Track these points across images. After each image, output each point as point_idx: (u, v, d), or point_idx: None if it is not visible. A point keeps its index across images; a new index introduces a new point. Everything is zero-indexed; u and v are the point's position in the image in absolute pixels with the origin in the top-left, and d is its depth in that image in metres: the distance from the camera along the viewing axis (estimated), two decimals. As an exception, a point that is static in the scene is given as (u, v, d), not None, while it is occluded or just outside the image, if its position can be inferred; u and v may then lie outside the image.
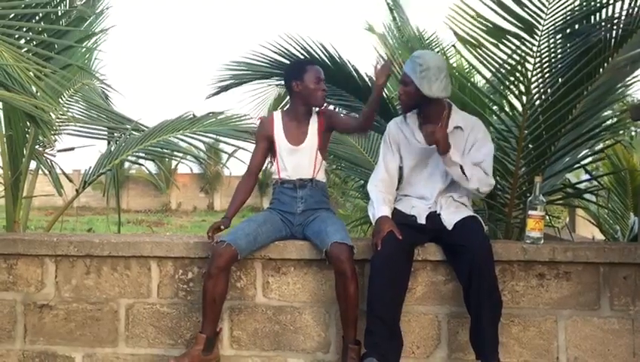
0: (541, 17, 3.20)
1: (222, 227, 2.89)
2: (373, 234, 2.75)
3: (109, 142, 4.57)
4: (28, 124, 3.84)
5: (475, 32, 3.33)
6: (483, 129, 2.87)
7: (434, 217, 2.81)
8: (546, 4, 3.17)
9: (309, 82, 2.91)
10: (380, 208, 2.79)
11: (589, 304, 2.81)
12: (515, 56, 3.32)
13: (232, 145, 4.25)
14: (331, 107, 4.28)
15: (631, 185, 5.35)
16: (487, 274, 2.58)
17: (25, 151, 4.04)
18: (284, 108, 3.19)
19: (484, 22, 3.28)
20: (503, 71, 3.41)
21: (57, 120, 4.36)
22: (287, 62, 3.80)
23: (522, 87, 3.38)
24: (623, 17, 3.13)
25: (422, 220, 2.80)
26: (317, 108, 3.00)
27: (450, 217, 2.78)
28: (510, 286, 2.82)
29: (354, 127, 3.00)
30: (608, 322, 2.80)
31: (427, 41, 4.76)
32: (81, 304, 3.00)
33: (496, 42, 3.32)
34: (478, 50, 3.38)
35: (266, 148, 3.02)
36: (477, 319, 2.58)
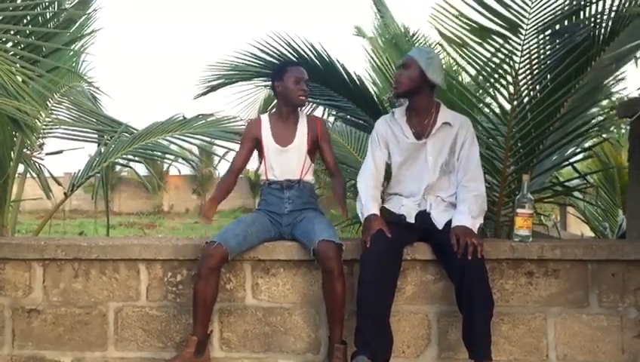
0: (524, 16, 3.21)
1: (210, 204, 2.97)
2: (363, 232, 2.75)
3: (98, 145, 4.55)
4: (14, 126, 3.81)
5: (459, 31, 3.35)
6: (471, 129, 2.89)
7: (423, 216, 2.82)
8: (529, 2, 3.18)
9: (289, 82, 2.94)
10: (368, 206, 2.79)
11: (577, 301, 2.82)
12: (500, 55, 3.33)
13: (222, 146, 4.25)
14: (320, 108, 4.29)
15: (619, 182, 5.38)
16: (479, 273, 2.58)
17: (13, 155, 4.01)
18: (271, 111, 3.20)
19: (468, 21, 3.30)
20: (489, 70, 3.43)
21: (44, 123, 4.34)
22: (276, 62, 3.79)
23: (510, 85, 3.39)
24: (608, 15, 3.15)
25: (411, 219, 2.81)
26: (304, 110, 3.02)
27: (441, 216, 2.79)
28: (499, 285, 2.83)
29: (328, 167, 3.05)
30: (597, 319, 2.82)
31: (413, 40, 4.77)
32: (70, 308, 2.98)
33: (480, 41, 3.34)
34: (464, 49, 3.39)
35: (252, 148, 3.03)
36: (469, 318, 2.58)
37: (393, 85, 2.94)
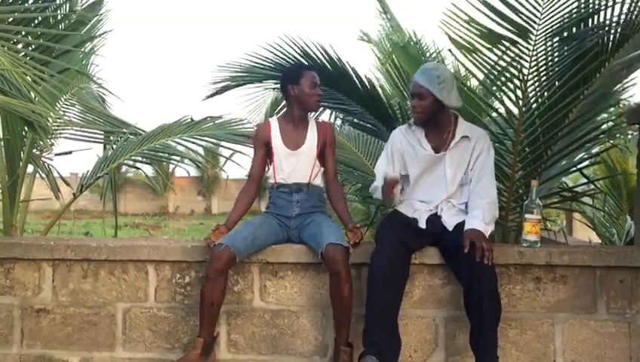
0: (535, 22, 3.21)
1: (219, 230, 2.88)
2: (385, 199, 2.79)
3: (105, 147, 4.56)
4: (25, 128, 3.84)
5: (469, 36, 3.36)
6: (488, 141, 2.92)
7: (434, 220, 2.83)
8: (540, 9, 3.19)
9: (305, 86, 2.93)
10: (382, 180, 2.79)
11: (585, 307, 2.82)
12: (508, 59, 3.34)
13: (230, 148, 4.25)
14: (327, 112, 4.30)
15: (625, 188, 5.38)
16: (488, 277, 2.59)
17: (22, 155, 4.04)
18: (280, 114, 3.20)
19: (478, 26, 3.31)
20: (496, 72, 3.43)
21: (54, 124, 4.36)
22: (286, 64, 3.80)
23: (518, 91, 3.40)
24: (617, 22, 3.15)
25: (422, 223, 2.82)
26: (313, 114, 3.05)
27: (452, 219, 2.81)
28: (507, 290, 2.83)
29: (328, 174, 3.04)
30: (605, 325, 2.81)
31: (421, 45, 4.76)
32: (79, 308, 3.00)
33: (490, 46, 3.34)
34: (473, 54, 3.40)
35: (265, 154, 3.03)
36: (478, 323, 2.59)
37: (413, 115, 2.90)
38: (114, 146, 4.35)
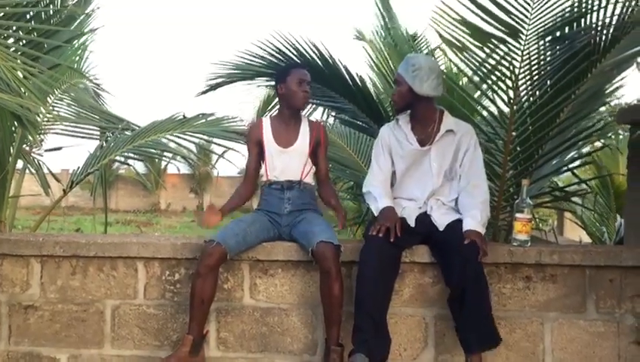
0: (525, 22, 3.22)
1: (213, 210, 2.95)
2: (378, 219, 2.75)
3: (99, 141, 4.53)
4: (15, 123, 3.81)
5: (459, 34, 3.37)
6: (475, 136, 2.92)
7: (424, 219, 2.83)
8: (530, 9, 3.19)
9: (292, 84, 2.94)
10: (383, 200, 2.81)
11: (574, 306, 2.83)
12: (496, 57, 3.35)
13: (222, 145, 4.24)
14: (320, 109, 4.29)
15: (612, 187, 5.42)
16: (480, 272, 2.60)
17: (12, 150, 4.00)
18: (273, 114, 3.22)
19: (468, 25, 3.31)
20: (485, 71, 3.44)
21: (45, 119, 4.33)
22: (278, 61, 3.79)
23: (510, 90, 3.41)
24: (609, 22, 3.16)
25: (411, 222, 2.81)
26: (306, 112, 3.05)
27: (442, 218, 2.80)
28: (497, 289, 2.84)
29: (320, 174, 3.08)
30: (594, 325, 2.82)
31: (415, 44, 4.77)
32: (67, 305, 2.98)
33: (480, 45, 3.36)
34: (464, 52, 3.41)
35: (258, 153, 3.04)
36: (476, 308, 2.59)
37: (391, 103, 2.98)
38: (105, 142, 4.33)
